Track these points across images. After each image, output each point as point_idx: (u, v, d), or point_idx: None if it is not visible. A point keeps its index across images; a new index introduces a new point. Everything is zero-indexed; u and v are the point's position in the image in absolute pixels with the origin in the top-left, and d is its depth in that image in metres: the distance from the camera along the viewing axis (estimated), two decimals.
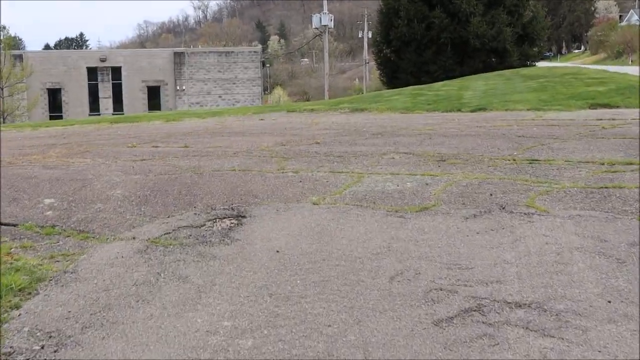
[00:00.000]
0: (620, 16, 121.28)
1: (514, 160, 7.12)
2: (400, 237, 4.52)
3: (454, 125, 11.37)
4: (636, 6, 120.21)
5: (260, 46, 79.99)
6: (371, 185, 6.08)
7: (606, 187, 5.64)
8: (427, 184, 6.08)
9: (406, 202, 5.46)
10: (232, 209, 5.47)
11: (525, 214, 5.00)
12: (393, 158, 7.48)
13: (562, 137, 8.89)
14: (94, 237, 4.89)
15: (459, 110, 15.50)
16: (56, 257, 4.42)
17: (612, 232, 4.47)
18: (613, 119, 11.25)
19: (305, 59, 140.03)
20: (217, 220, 5.19)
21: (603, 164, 6.70)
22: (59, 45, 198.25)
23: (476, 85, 21.38)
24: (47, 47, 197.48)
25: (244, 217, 5.23)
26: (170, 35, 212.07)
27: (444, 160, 7.22)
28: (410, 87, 24.26)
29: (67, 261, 4.33)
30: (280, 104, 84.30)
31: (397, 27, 32.70)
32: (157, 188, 6.17)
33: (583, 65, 63.43)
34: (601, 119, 11.37)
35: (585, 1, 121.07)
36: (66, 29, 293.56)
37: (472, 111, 15.16)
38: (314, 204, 5.52)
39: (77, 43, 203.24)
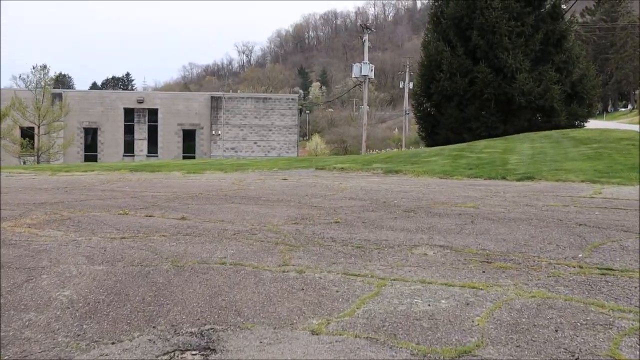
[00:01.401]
0: None
1: (581, 267, 5.57)
2: None
3: (500, 202, 9.84)
4: None
5: (298, 93, 79.44)
6: (394, 302, 4.59)
7: None
8: (468, 304, 4.57)
9: (439, 338, 3.96)
10: (202, 334, 4.02)
11: None
12: (425, 254, 5.99)
13: (633, 229, 7.30)
14: None
15: (504, 177, 13.97)
16: None
17: None
18: None
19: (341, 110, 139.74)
20: (176, 353, 3.75)
21: None
22: (106, 84, 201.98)
23: (522, 148, 19.81)
24: (94, 85, 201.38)
25: (213, 350, 3.78)
26: (214, 77, 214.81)
27: (490, 262, 5.70)
28: (451, 146, 22.78)
29: None
30: (316, 151, 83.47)
31: (438, 80, 31.34)
32: (117, 289, 4.76)
33: (632, 126, 61.33)
34: None
35: (635, 59, 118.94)
36: (114, 69, 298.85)
37: (518, 180, 13.62)
38: (312, 332, 4.05)
39: (123, 82, 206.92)
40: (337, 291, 4.81)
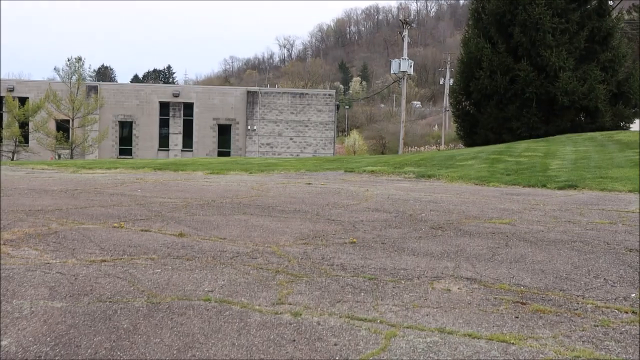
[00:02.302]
0: None
1: (634, 312, 4.64)
2: None
3: (539, 217, 8.87)
4: None
5: (336, 89, 78.26)
6: None
7: None
8: None
9: None
10: None
11: None
12: (449, 290, 5.09)
13: None
14: None
15: (544, 185, 12.95)
16: None
17: None
18: None
19: (382, 105, 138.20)
20: None
21: None
22: (147, 76, 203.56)
23: (564, 152, 18.68)
24: (135, 77, 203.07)
25: None
26: (254, 71, 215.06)
27: (525, 304, 4.79)
28: (489, 148, 21.70)
29: None
30: (354, 147, 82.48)
31: (478, 78, 30.19)
32: (68, 338, 3.95)
33: None
34: None
35: None
36: (156, 61, 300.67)
37: (560, 188, 12.60)
38: None
39: (164, 75, 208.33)
40: (335, 344, 3.95)
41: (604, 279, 5.54)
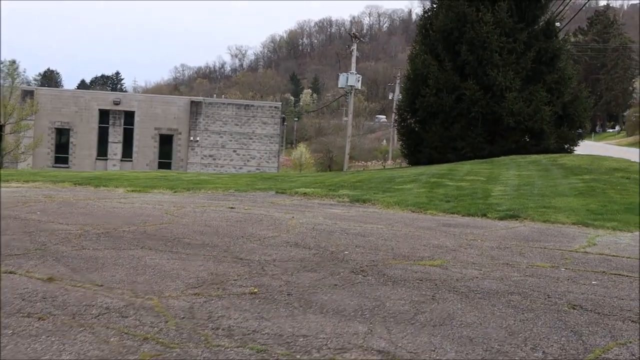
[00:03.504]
0: None
1: None
2: None
3: (475, 257, 7.94)
4: None
5: (285, 101, 77.01)
6: None
7: None
8: None
9: None
10: None
11: None
12: None
13: None
14: None
15: (485, 215, 12.10)
16: None
17: None
18: None
19: (332, 120, 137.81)
20: None
21: None
22: (95, 82, 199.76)
23: (507, 176, 17.98)
24: (82, 83, 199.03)
25: None
26: (205, 80, 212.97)
27: None
28: (430, 169, 20.92)
29: None
30: (300, 160, 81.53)
31: (424, 95, 29.50)
32: None
33: (622, 150, 59.89)
34: None
35: (625, 81, 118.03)
36: (105, 67, 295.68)
37: (500, 219, 11.77)
38: None
39: (112, 81, 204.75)
40: None
41: (543, 351, 4.60)
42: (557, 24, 31.87)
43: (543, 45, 29.70)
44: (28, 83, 44.70)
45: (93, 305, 5.22)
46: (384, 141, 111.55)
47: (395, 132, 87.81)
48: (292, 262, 7.28)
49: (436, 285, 6.40)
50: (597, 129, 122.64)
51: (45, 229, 8.85)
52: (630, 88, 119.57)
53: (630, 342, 4.84)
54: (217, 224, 10.01)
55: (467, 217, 12.07)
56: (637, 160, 22.80)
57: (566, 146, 30.62)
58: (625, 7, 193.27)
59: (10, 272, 6.22)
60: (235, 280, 6.31)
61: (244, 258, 7.37)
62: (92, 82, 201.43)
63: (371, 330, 4.89)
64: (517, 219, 11.71)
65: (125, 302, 5.36)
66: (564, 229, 10.78)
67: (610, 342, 4.85)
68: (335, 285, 6.27)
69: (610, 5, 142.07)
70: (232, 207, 12.14)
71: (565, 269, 7.46)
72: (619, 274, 7.23)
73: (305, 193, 14.87)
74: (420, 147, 30.99)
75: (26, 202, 12.02)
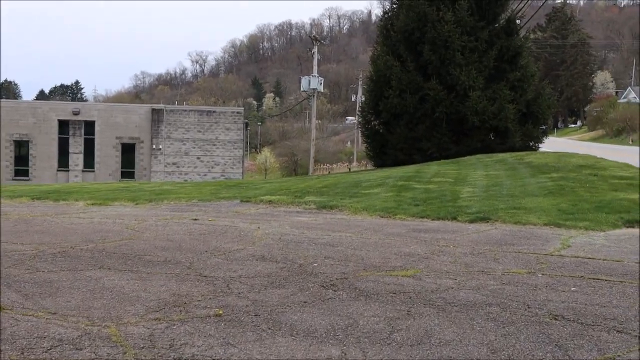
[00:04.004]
0: (617, 92, 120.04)
1: None
2: None
3: (449, 265, 7.67)
4: (632, 83, 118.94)
5: (247, 106, 76.53)
6: None
7: None
8: None
9: None
10: None
11: None
12: None
13: (629, 328, 5.20)
14: None
15: (455, 218, 11.86)
16: None
17: None
18: None
19: (295, 124, 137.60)
20: None
21: None
22: (54, 92, 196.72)
23: (475, 176, 17.81)
24: (41, 93, 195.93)
25: None
26: (166, 87, 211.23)
27: None
28: (396, 172, 20.69)
29: None
30: (265, 165, 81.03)
31: (387, 97, 29.29)
32: None
33: (583, 145, 60.50)
34: None
35: (584, 76, 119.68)
36: (64, 75, 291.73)
37: (471, 221, 11.54)
38: None
39: (72, 91, 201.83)
40: None
41: None
42: (518, 21, 31.94)
43: (505, 43, 29.72)
44: None
45: (45, 337, 4.82)
46: (349, 143, 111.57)
47: (360, 133, 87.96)
48: (258, 277, 6.93)
49: (410, 298, 6.11)
50: (559, 124, 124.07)
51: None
52: (590, 83, 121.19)
53: (619, 356, 4.59)
54: (180, 237, 9.62)
55: (437, 220, 11.82)
56: (599, 157, 22.84)
57: (531, 144, 30.70)
58: (582, 3, 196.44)
59: None
60: (199, 301, 5.94)
61: (208, 275, 7.01)
62: (51, 91, 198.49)
63: (345, 354, 4.57)
64: (487, 222, 11.49)
65: (80, 332, 4.97)
66: (536, 231, 10.59)
67: (597, 356, 4.59)
68: (305, 302, 5.94)
69: (568, 1, 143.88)
70: (195, 219, 11.74)
71: (542, 274, 7.23)
72: (598, 279, 7.01)
73: (270, 201, 14.51)
74: (385, 149, 30.80)
75: None
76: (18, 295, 6.08)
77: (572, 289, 6.57)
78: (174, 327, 5.14)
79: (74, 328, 5.08)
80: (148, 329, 5.08)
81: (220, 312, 5.54)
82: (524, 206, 12.62)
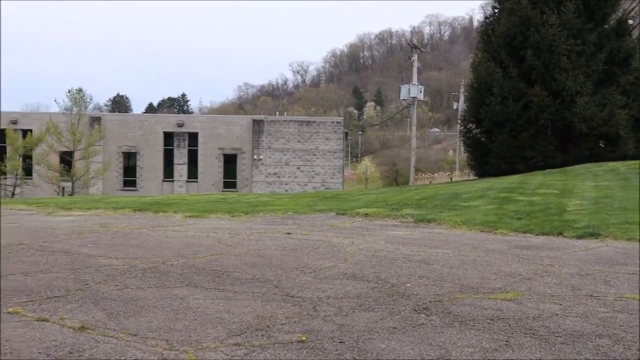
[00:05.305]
0: None
1: None
2: None
3: (553, 287, 7.10)
4: None
5: (347, 115, 76.48)
6: None
7: None
8: None
9: None
10: None
11: None
12: None
13: None
14: None
15: (561, 234, 11.17)
16: None
17: None
18: None
19: (396, 133, 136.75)
20: None
21: None
22: (162, 105, 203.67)
23: (583, 188, 16.88)
24: (150, 106, 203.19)
25: None
26: (269, 98, 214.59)
27: None
28: (499, 183, 19.91)
29: None
30: (366, 175, 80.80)
31: (488, 104, 28.46)
32: None
33: None
34: None
35: None
36: (172, 89, 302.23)
37: (578, 237, 10.82)
38: None
39: (179, 103, 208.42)
40: None
41: None
42: (630, 21, 30.37)
43: (615, 45, 28.31)
44: (100, 109, 45.66)
45: None
46: (451, 151, 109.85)
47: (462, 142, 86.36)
48: (347, 298, 6.60)
49: (510, 326, 5.63)
50: None
51: (91, 265, 8.42)
52: None
53: None
54: (271, 253, 9.42)
55: (542, 236, 11.16)
56: None
57: None
58: None
59: (43, 320, 5.74)
60: (282, 324, 5.67)
61: (295, 295, 6.74)
62: (159, 104, 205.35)
63: None
64: (597, 238, 10.75)
65: (157, 357, 4.78)
66: None
67: None
68: (395, 328, 5.56)
69: None
70: (288, 233, 11.55)
71: None
72: None
73: (366, 214, 14.18)
74: (487, 158, 29.91)
75: (81, 233, 11.71)
76: (103, 314, 5.99)
77: None
78: (254, 353, 4.87)
79: (152, 352, 4.90)
80: (227, 355, 4.84)
81: (304, 338, 5.24)
82: (637, 221, 11.75)
